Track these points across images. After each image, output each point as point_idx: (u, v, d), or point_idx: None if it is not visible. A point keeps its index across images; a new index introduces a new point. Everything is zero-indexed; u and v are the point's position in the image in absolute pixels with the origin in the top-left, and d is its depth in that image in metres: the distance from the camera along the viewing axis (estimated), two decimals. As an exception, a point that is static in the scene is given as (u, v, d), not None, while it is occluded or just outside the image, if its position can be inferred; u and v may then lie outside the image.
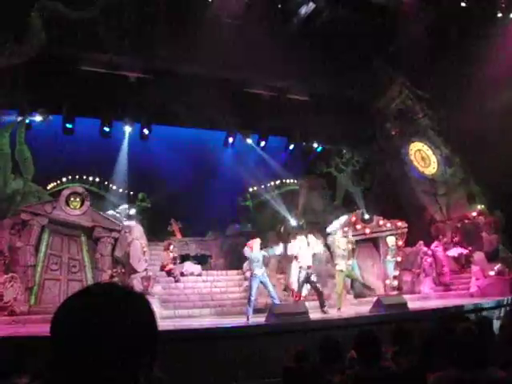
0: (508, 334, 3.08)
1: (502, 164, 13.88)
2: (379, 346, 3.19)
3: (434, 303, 12.27)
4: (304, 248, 11.12)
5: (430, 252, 14.95)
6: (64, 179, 16.28)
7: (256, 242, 10.68)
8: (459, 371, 2.29)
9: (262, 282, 10.36)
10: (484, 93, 14.27)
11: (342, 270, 11.67)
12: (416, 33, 14.82)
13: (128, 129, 16.81)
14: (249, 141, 18.35)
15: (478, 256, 14.54)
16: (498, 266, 13.90)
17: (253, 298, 10.10)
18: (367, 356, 3.10)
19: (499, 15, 15.07)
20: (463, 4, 14.82)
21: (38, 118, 14.86)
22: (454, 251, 14.80)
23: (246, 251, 10.54)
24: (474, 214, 15.78)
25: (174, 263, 14.02)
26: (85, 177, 16.55)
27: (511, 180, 13.82)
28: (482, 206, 15.71)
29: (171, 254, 14.00)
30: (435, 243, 15.16)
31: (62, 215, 11.84)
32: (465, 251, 14.79)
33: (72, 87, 14.22)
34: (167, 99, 15.12)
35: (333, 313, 10.66)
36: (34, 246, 11.39)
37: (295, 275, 11.40)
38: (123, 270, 12.11)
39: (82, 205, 12.16)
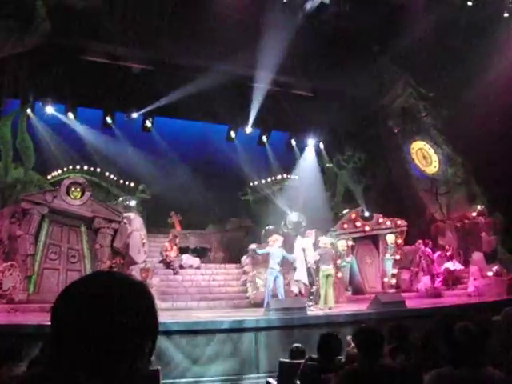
0: (505, 335, 3.08)
1: (503, 165, 13.88)
2: (382, 343, 3.19)
3: (432, 302, 12.30)
4: (310, 245, 11.15)
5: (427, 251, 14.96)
6: (65, 169, 16.27)
7: (277, 239, 10.96)
8: (456, 369, 2.30)
9: (276, 278, 10.55)
10: (488, 93, 14.24)
11: (323, 271, 11.57)
12: (421, 31, 14.76)
13: (129, 119, 16.80)
14: (248, 135, 18.35)
15: (477, 256, 14.55)
16: (496, 267, 13.91)
17: (270, 289, 10.50)
18: (369, 352, 3.10)
19: (505, 15, 15.02)
20: (470, 3, 14.76)
21: (40, 108, 14.86)
22: (450, 266, 14.46)
23: (268, 247, 10.90)
24: (474, 214, 15.78)
25: (177, 255, 14.08)
26: (86, 167, 16.53)
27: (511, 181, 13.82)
28: (482, 207, 15.71)
29: (174, 247, 14.05)
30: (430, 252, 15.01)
31: (62, 205, 11.84)
32: (459, 267, 14.42)
33: (75, 77, 14.20)
34: (170, 91, 15.09)
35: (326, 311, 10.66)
36: (34, 235, 11.40)
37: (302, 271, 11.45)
38: (122, 261, 12.13)
39: (82, 195, 12.17)
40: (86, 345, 0.90)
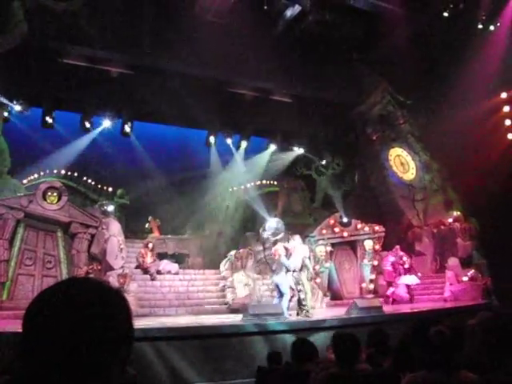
0: (480, 338, 3.13)
1: (478, 171, 14.16)
2: (358, 347, 3.22)
3: (409, 306, 12.44)
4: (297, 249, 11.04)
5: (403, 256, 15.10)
6: (41, 173, 16.01)
7: (279, 248, 10.62)
8: (430, 373, 2.33)
9: (276, 285, 10.32)
10: (463, 101, 14.52)
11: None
12: (399, 40, 15.00)
13: (108, 124, 16.59)
14: (229, 141, 18.31)
15: (453, 262, 14.78)
16: (471, 272, 14.15)
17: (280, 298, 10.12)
18: (344, 357, 3.12)
19: (480, 26, 15.37)
20: (446, 14, 15.05)
21: (16, 110, 14.57)
22: (407, 280, 14.13)
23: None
24: (450, 220, 16.04)
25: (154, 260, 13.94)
26: (63, 171, 16.30)
27: (487, 187, 14.10)
28: (458, 213, 15.97)
29: (149, 253, 13.90)
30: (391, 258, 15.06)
31: (38, 210, 11.63)
32: (415, 282, 14.17)
33: (53, 80, 14.01)
34: (150, 96, 15.00)
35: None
36: (9, 240, 11.16)
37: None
38: (99, 267, 11.97)
39: (59, 199, 11.98)
40: (57, 353, 0.89)
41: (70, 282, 1.04)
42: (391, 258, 14.85)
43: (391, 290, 14.25)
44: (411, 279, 14.06)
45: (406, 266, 14.34)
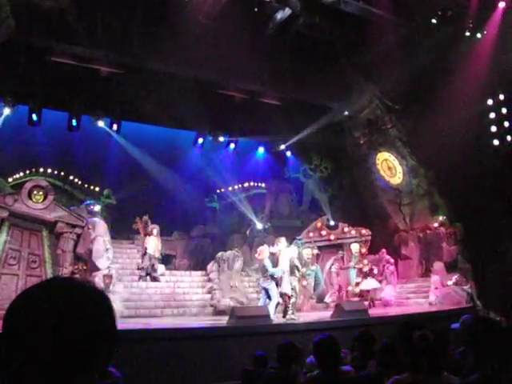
0: (463, 342, 3.17)
1: (464, 177, 14.31)
2: (338, 350, 3.23)
3: (395, 310, 12.51)
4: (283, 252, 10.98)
5: (392, 260, 15.21)
6: (27, 171, 15.84)
7: (264, 249, 10.51)
8: (414, 376, 2.35)
9: (263, 289, 10.24)
10: (451, 108, 14.67)
11: None
12: (388, 45, 15.11)
13: (96, 123, 16.48)
14: (221, 139, 18.28)
15: (438, 266, 14.91)
16: (456, 277, 14.29)
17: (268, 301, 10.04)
18: (326, 360, 3.13)
19: (467, 34, 15.55)
20: (434, 21, 15.21)
21: (2, 108, 14.41)
22: (366, 284, 14.12)
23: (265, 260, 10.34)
24: (436, 224, 16.18)
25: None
26: (49, 170, 16.14)
27: (472, 193, 14.24)
28: (444, 217, 16.11)
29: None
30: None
31: (23, 208, 11.50)
32: (376, 286, 14.18)
33: (41, 78, 13.87)
34: (139, 96, 14.91)
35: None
36: (-8, 239, 11.03)
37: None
38: (85, 267, 11.88)
39: (45, 199, 11.86)
40: (39, 352, 0.87)
41: (53, 281, 1.02)
42: (331, 260, 14.88)
43: (329, 294, 14.28)
44: (368, 284, 14.07)
45: (366, 269, 14.31)
